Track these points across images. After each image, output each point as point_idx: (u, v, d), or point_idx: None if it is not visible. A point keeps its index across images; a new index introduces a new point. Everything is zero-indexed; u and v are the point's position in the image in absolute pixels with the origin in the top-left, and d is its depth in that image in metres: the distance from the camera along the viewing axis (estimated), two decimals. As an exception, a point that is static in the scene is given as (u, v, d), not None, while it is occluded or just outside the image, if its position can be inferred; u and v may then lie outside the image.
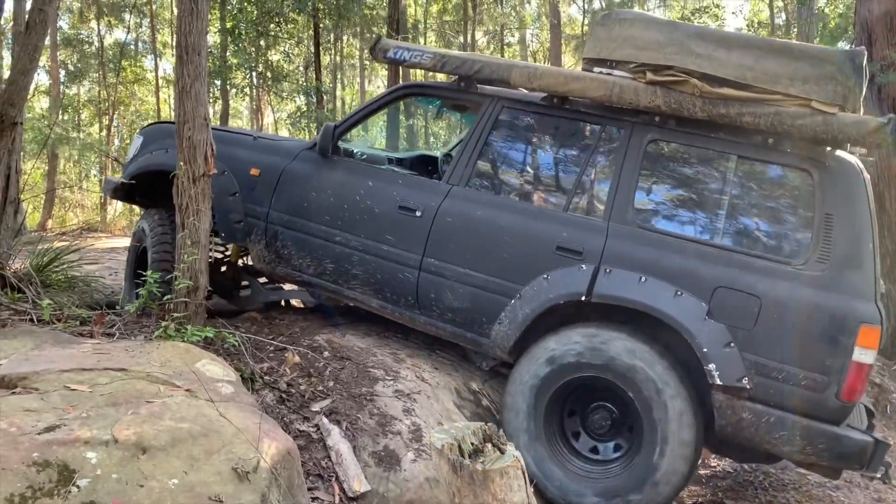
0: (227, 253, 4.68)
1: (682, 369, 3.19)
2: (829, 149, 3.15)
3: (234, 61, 14.99)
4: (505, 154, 3.88)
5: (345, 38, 21.11)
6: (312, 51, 15.67)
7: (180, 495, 2.03)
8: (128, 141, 20.41)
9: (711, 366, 3.04)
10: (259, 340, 3.72)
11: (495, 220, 3.56)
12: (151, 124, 5.11)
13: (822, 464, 3.07)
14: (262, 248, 4.13)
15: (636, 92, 3.33)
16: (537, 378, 3.35)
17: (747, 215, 3.28)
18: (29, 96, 6.24)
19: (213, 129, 3.69)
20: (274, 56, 17.03)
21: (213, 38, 15.17)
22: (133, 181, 4.46)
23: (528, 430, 3.35)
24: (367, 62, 22.98)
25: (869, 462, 2.95)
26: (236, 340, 3.53)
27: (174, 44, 4.25)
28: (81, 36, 21.02)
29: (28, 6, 9.57)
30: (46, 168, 18.74)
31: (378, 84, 26.00)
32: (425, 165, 4.93)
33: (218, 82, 15.41)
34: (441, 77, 4.30)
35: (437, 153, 5.20)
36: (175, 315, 3.46)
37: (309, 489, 2.70)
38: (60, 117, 19.10)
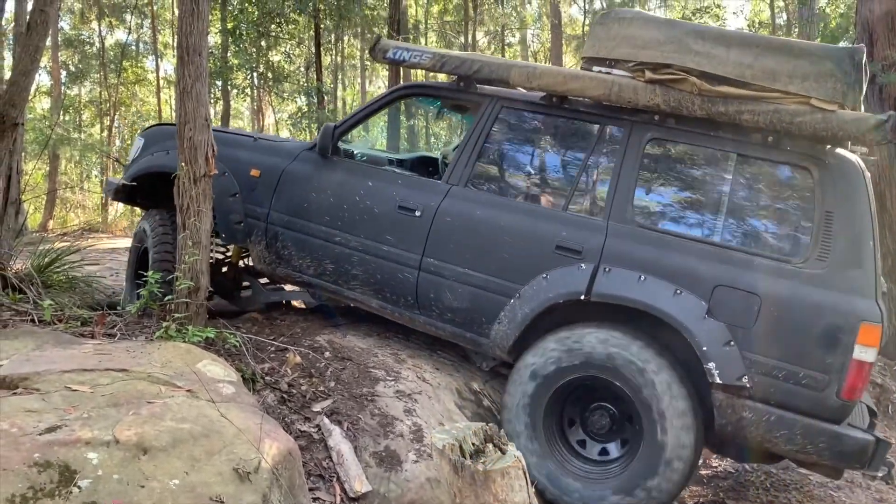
0: (228, 254, 4.69)
1: (682, 369, 3.19)
2: (829, 147, 3.14)
3: (235, 62, 15.01)
4: (504, 153, 3.88)
5: (346, 38, 21.14)
6: (313, 51, 15.67)
7: (181, 496, 2.03)
8: (129, 142, 20.42)
9: (711, 364, 3.03)
10: (260, 341, 3.73)
11: (495, 220, 3.56)
12: (152, 126, 5.12)
13: (822, 463, 3.06)
14: (262, 248, 4.14)
15: (635, 90, 3.33)
16: (527, 397, 3.34)
17: (747, 214, 3.27)
18: (30, 97, 6.24)
19: (213, 129, 3.70)
20: (275, 57, 17.05)
21: (214, 38, 15.20)
22: (134, 183, 4.48)
23: (533, 450, 3.32)
24: (368, 63, 22.99)
25: (870, 461, 2.94)
26: (237, 341, 3.53)
27: (175, 44, 4.26)
28: (83, 37, 21.03)
29: (29, 7, 9.60)
30: (48, 169, 18.73)
31: (379, 84, 26.02)
32: (426, 166, 4.93)
33: (219, 83, 15.43)
34: (442, 77, 4.31)
35: (437, 154, 5.20)
36: (176, 315, 3.46)
37: (310, 489, 2.70)
38: (62, 118, 19.13)
